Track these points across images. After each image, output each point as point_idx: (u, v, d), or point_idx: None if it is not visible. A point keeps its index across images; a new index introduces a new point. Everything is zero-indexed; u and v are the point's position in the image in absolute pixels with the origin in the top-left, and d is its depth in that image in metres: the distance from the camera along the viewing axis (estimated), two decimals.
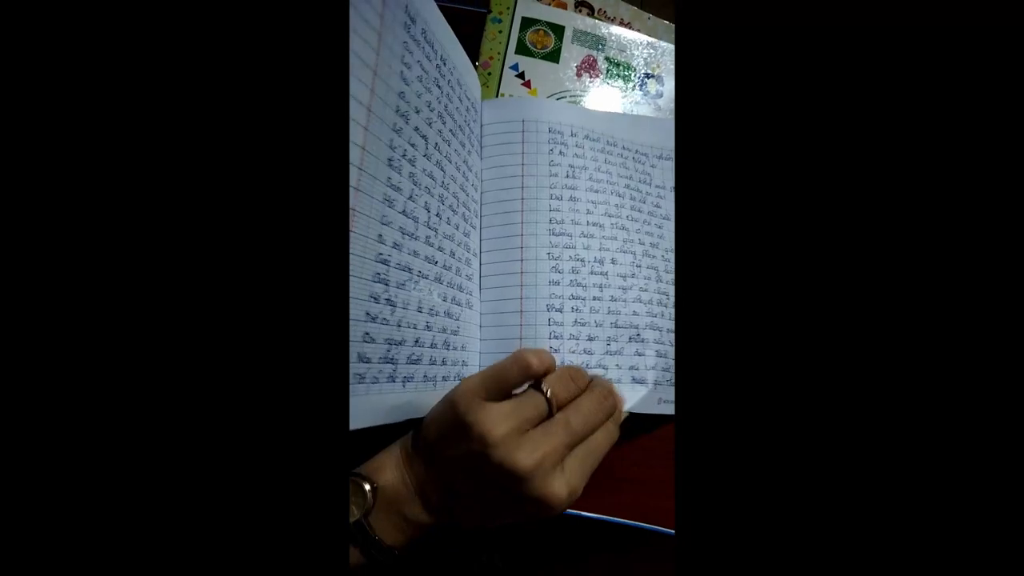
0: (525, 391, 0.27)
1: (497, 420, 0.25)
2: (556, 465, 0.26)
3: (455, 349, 0.35)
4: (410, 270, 0.31)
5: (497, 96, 0.44)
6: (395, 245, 0.29)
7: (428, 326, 0.32)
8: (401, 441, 0.29)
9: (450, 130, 0.35)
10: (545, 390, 0.27)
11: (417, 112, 0.31)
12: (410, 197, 0.31)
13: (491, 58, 0.45)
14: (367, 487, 0.26)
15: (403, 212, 0.30)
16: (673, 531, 0.36)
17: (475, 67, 0.45)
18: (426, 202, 0.32)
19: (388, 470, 0.27)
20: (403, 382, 0.30)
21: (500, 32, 0.45)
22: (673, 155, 0.44)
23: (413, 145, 0.31)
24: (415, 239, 0.31)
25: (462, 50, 0.38)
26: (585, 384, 0.29)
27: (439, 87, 0.34)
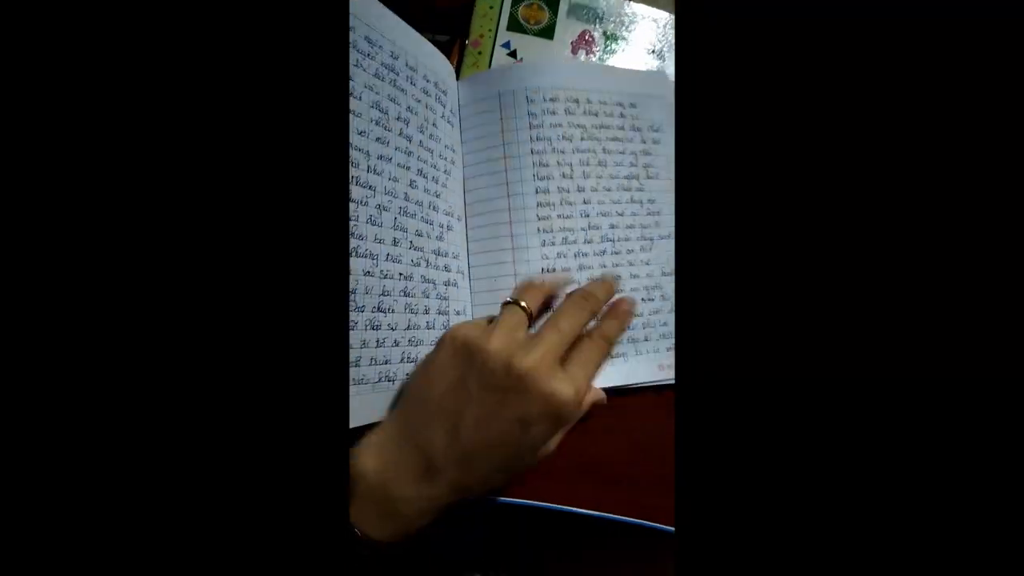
0: (502, 309, 0.29)
1: (487, 335, 0.27)
2: (555, 363, 0.26)
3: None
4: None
5: None
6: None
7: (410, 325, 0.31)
8: (385, 420, 0.28)
9: (398, 119, 0.33)
10: (518, 301, 0.29)
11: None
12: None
13: (481, 36, 0.44)
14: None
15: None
16: (672, 528, 0.34)
17: (466, 46, 0.43)
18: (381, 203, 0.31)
19: (368, 456, 0.25)
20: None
21: (491, 8, 0.44)
22: (661, 97, 0.42)
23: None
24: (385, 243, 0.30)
25: (416, 37, 0.37)
26: (555, 290, 0.32)
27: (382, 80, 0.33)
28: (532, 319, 0.29)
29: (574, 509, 0.34)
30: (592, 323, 0.30)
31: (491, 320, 0.29)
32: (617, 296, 0.32)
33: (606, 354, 0.29)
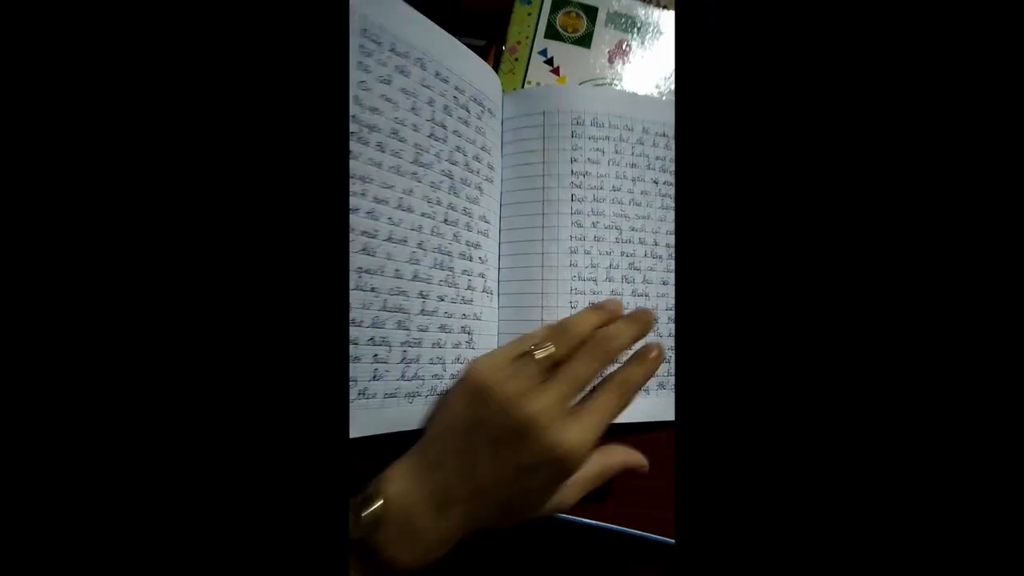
0: (523, 339, 0.29)
1: (503, 377, 0.27)
2: (562, 411, 0.27)
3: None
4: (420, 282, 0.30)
5: (524, 84, 0.42)
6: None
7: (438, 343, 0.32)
8: (412, 449, 0.28)
9: (441, 135, 0.34)
10: (535, 344, 0.28)
11: (377, 128, 0.30)
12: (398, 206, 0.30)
13: (518, 42, 0.43)
14: (374, 505, 0.25)
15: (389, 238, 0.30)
16: (673, 540, 0.35)
17: (503, 52, 0.43)
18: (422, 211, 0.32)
19: (396, 480, 0.26)
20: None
21: (529, 15, 0.43)
22: None
23: (376, 163, 0.30)
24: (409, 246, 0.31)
25: (469, 55, 0.37)
26: (585, 332, 0.30)
27: (416, 97, 0.33)
28: (555, 363, 0.28)
29: (573, 518, 0.35)
30: (618, 365, 0.30)
31: (516, 351, 0.29)
32: (649, 338, 0.31)
33: (624, 403, 0.29)
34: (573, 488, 0.28)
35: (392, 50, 0.31)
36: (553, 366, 0.28)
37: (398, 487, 0.26)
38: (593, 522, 0.35)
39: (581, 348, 0.29)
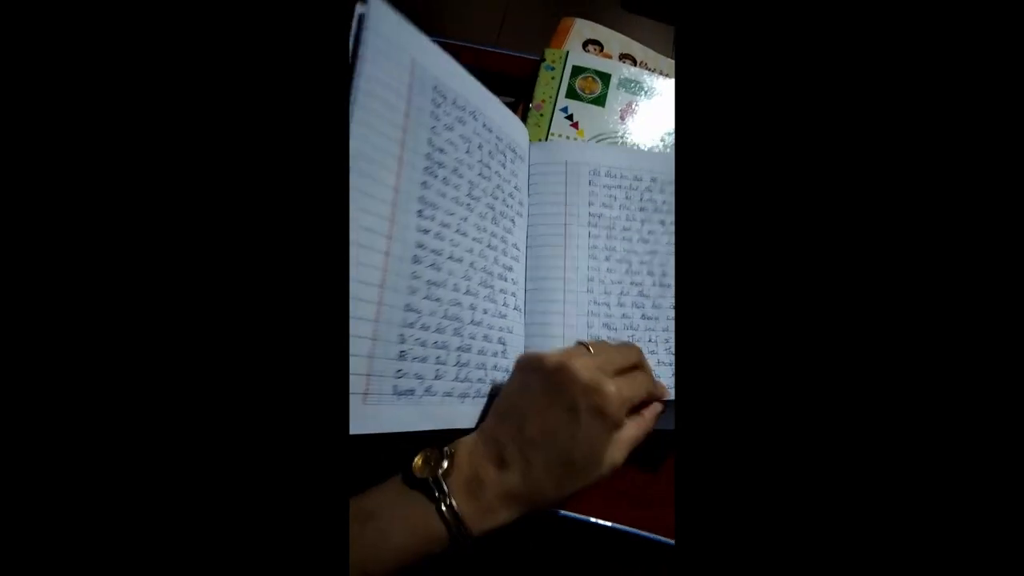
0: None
1: (551, 352, 0.31)
2: (603, 371, 0.30)
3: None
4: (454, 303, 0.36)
5: (548, 135, 0.49)
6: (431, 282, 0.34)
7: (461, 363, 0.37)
8: (476, 429, 0.32)
9: (485, 175, 0.40)
10: (583, 341, 0.33)
11: (444, 165, 0.36)
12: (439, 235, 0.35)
13: (543, 101, 0.50)
14: (445, 449, 0.29)
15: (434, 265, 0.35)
16: (673, 542, 0.38)
17: (530, 108, 0.50)
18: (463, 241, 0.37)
19: (465, 443, 0.31)
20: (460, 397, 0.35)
21: (553, 79, 0.51)
22: None
23: (442, 194, 0.35)
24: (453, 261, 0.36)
25: (506, 110, 0.44)
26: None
27: (470, 142, 0.39)
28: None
29: (575, 515, 0.38)
30: None
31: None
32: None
33: (653, 386, 0.33)
34: (619, 446, 0.30)
35: (455, 103, 0.37)
36: None
37: (466, 447, 0.30)
38: (596, 520, 0.38)
39: (623, 346, 0.34)
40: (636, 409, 0.32)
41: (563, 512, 0.38)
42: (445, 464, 0.29)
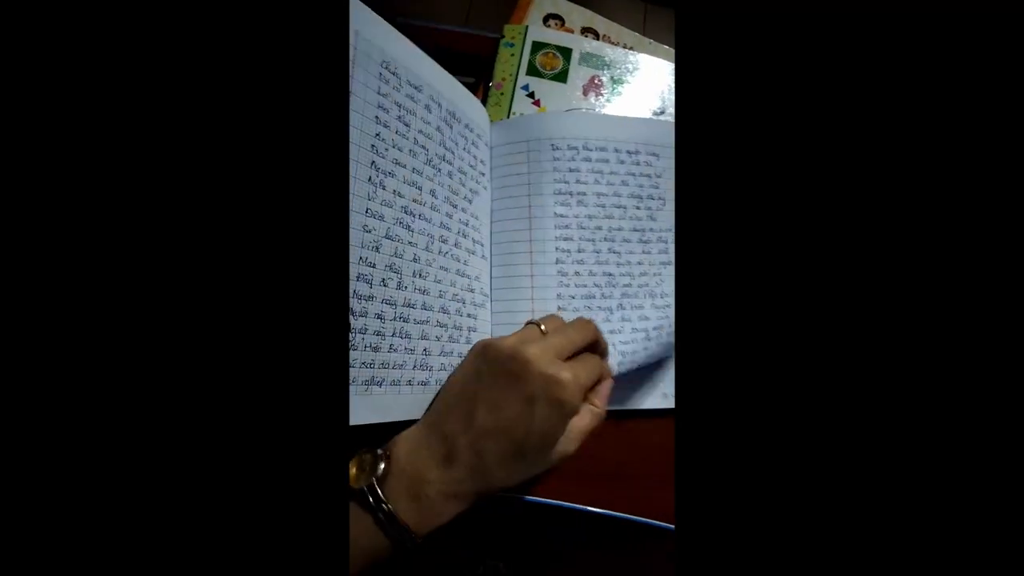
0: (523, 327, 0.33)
1: (503, 338, 0.30)
2: (557, 356, 0.30)
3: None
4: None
5: (509, 114, 0.48)
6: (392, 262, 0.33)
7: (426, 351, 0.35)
8: (421, 419, 0.31)
9: (440, 156, 0.38)
10: (538, 322, 0.33)
11: (394, 146, 0.34)
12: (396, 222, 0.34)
13: (504, 79, 0.48)
14: (379, 451, 0.27)
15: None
16: (673, 526, 0.37)
17: (489, 87, 0.48)
18: (422, 229, 0.35)
19: (405, 439, 0.29)
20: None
21: (512, 55, 0.49)
22: (663, 149, 0.47)
23: (391, 173, 0.33)
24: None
25: (460, 87, 0.42)
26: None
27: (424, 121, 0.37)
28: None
29: (574, 505, 0.37)
30: None
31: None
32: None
33: (604, 374, 0.33)
34: (572, 436, 0.30)
35: (408, 81, 0.35)
36: None
37: (406, 447, 0.28)
38: (594, 509, 0.37)
39: (578, 321, 0.33)
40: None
41: (549, 501, 0.37)
42: (381, 467, 0.27)
